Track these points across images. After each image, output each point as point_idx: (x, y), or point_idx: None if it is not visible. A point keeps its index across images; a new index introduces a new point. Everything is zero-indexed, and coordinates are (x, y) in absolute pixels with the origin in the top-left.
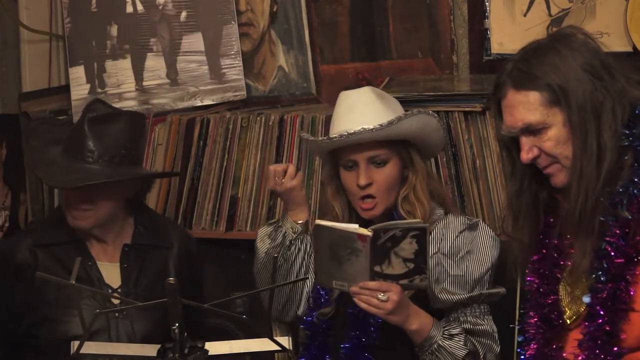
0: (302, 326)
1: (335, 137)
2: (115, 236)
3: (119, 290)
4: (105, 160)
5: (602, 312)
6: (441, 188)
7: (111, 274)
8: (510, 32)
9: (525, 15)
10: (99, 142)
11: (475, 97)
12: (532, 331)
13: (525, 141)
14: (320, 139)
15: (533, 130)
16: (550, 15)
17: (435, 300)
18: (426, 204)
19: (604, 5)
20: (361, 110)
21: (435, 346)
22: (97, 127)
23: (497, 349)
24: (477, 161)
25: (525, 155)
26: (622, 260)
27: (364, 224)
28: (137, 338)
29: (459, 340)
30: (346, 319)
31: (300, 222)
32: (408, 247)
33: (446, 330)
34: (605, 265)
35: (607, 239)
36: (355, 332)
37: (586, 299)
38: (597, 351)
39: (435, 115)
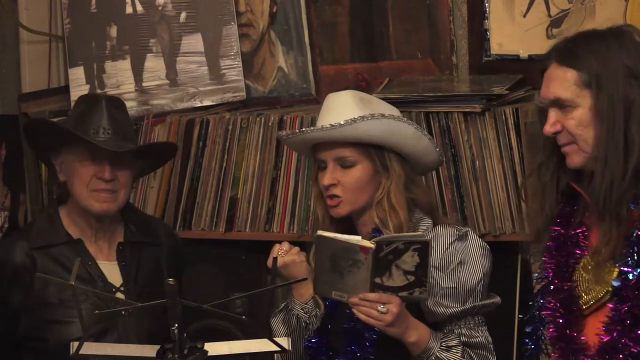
0: (306, 344)
1: (289, 134)
2: (111, 234)
3: (122, 288)
4: (128, 138)
5: (630, 296)
6: (429, 197)
7: (111, 272)
8: (509, 33)
9: (524, 16)
10: (116, 121)
11: (475, 98)
12: (550, 315)
13: (552, 114)
14: (283, 134)
15: (561, 105)
16: (549, 16)
17: (430, 313)
18: (401, 214)
19: (604, 5)
20: (334, 112)
21: (433, 358)
22: (114, 108)
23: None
24: (477, 162)
25: (548, 128)
26: None
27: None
28: (144, 335)
29: (457, 352)
30: (340, 334)
31: (308, 301)
32: (410, 260)
33: (444, 342)
34: (636, 250)
35: None
36: (351, 347)
37: (616, 283)
38: (623, 333)
39: (412, 123)
